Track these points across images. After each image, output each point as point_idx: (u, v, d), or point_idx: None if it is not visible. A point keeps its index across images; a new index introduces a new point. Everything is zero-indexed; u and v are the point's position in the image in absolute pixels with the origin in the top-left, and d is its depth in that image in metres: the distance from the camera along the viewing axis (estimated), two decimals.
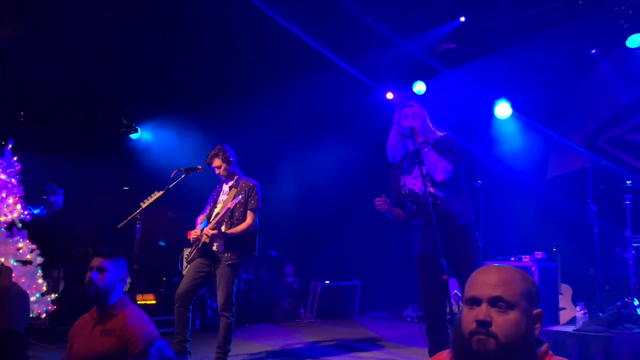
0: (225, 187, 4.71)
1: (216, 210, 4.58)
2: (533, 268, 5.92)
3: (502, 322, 1.46)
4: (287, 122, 8.56)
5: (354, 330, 7.17)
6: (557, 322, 5.96)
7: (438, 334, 3.58)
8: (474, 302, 1.52)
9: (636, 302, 5.25)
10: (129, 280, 3.16)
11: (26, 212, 5.50)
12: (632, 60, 6.80)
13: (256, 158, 7.08)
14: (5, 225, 5.38)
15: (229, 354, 4.49)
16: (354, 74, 8.07)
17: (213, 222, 4.48)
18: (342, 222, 8.86)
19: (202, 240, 4.44)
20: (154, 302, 6.82)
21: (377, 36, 7.84)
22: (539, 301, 1.56)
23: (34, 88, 7.13)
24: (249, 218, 4.52)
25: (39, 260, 5.45)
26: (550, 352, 1.54)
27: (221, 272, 4.43)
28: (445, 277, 3.33)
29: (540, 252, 6.09)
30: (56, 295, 6.08)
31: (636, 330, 4.84)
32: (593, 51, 6.99)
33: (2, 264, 4.98)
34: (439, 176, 3.62)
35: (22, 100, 7.39)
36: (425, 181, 3.56)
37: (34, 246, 5.50)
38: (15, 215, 5.42)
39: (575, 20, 6.62)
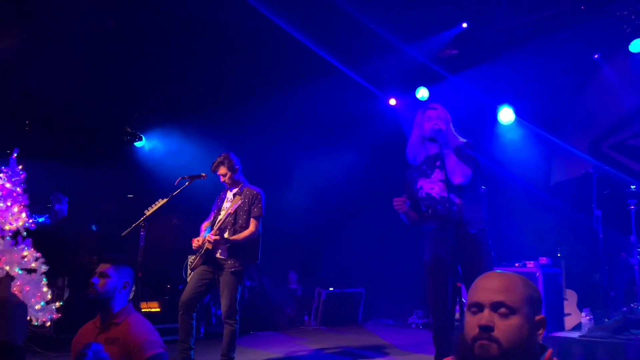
0: (230, 195, 4.73)
1: (219, 217, 4.60)
2: (537, 274, 5.90)
3: (505, 327, 1.47)
4: (291, 129, 8.58)
5: (359, 337, 7.15)
6: (562, 328, 5.94)
7: (445, 341, 3.57)
8: (477, 307, 1.53)
9: None
10: (133, 288, 3.16)
11: (31, 221, 5.52)
12: (635, 64, 6.80)
13: (260, 165, 7.11)
14: (10, 234, 5.40)
15: None
16: (356, 80, 8.08)
17: (216, 228, 4.49)
18: (345, 228, 8.85)
19: (205, 247, 4.46)
20: (158, 309, 6.83)
21: (380, 42, 7.86)
22: (541, 307, 1.57)
23: (38, 97, 7.18)
24: (252, 225, 4.53)
25: (44, 268, 5.46)
26: (555, 359, 1.54)
27: (225, 280, 4.44)
28: (459, 284, 3.32)
29: (544, 258, 6.08)
30: (61, 303, 6.09)
31: None
32: (596, 56, 7.00)
33: (1, 275, 5.00)
34: (457, 179, 3.60)
35: (27, 109, 7.44)
36: (444, 186, 3.54)
37: (38, 254, 5.52)
38: (20, 223, 5.44)
39: (577, 25, 6.63)
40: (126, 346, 2.80)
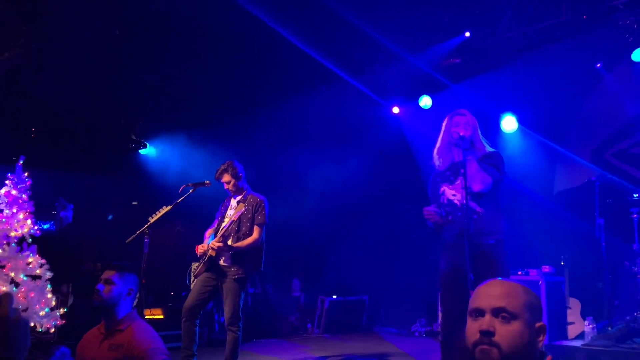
0: (234, 202, 4.75)
1: (223, 224, 4.62)
2: (540, 282, 5.90)
3: (505, 332, 1.49)
4: (295, 137, 8.62)
5: (362, 345, 7.14)
6: (565, 337, 5.93)
7: (452, 350, 3.57)
8: (478, 313, 1.56)
9: None
10: (137, 295, 3.19)
11: (36, 227, 5.55)
12: (637, 73, 6.82)
13: (264, 172, 7.14)
14: (15, 240, 5.43)
15: None
16: (360, 88, 8.13)
17: (219, 235, 4.52)
18: (349, 236, 8.87)
19: (209, 254, 4.48)
20: (161, 316, 6.84)
21: (383, 51, 7.91)
22: (541, 314, 1.60)
23: (44, 104, 7.24)
24: (256, 233, 4.55)
25: (49, 275, 5.48)
26: None
27: (228, 287, 4.45)
28: (472, 292, 3.31)
29: (547, 266, 6.07)
30: (65, 309, 6.11)
31: None
32: (598, 65, 7.02)
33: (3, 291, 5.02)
34: (477, 187, 3.61)
35: (33, 116, 7.51)
36: (466, 194, 3.52)
37: (43, 261, 5.54)
38: (26, 230, 5.47)
39: (579, 34, 6.66)
40: (130, 353, 2.83)
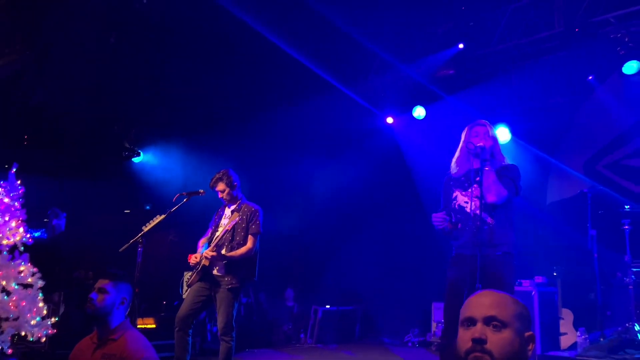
0: (228, 211, 4.74)
1: (217, 234, 4.61)
2: (533, 292, 5.92)
3: (497, 340, 1.54)
4: (289, 147, 8.64)
5: (355, 356, 7.12)
6: (558, 347, 5.94)
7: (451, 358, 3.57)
8: (470, 322, 1.60)
9: (637, 327, 5.24)
10: (131, 304, 3.17)
11: (28, 236, 5.51)
12: (628, 86, 6.90)
13: (258, 181, 7.13)
14: (7, 249, 5.39)
15: None
16: (354, 98, 8.17)
17: (213, 244, 4.50)
18: (343, 246, 8.87)
19: (202, 264, 4.46)
20: (153, 325, 6.80)
21: (378, 61, 7.96)
22: (530, 324, 1.65)
23: (38, 112, 7.23)
24: (250, 242, 4.53)
25: (40, 283, 5.44)
26: None
27: (221, 296, 4.43)
28: None
29: (540, 277, 6.10)
30: (56, 318, 6.06)
31: (637, 356, 4.83)
32: (590, 77, 7.09)
33: None
34: (491, 198, 3.59)
35: (26, 123, 7.48)
36: (480, 203, 3.52)
37: (35, 269, 5.50)
38: (18, 238, 5.43)
39: (572, 47, 6.74)
40: None
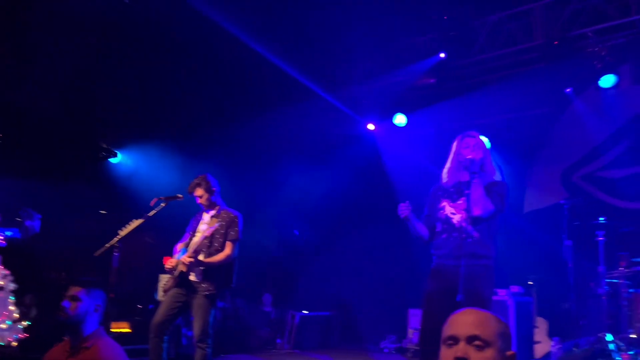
0: (206, 217, 4.69)
1: (195, 239, 4.56)
2: (509, 302, 5.98)
3: (479, 359, 1.53)
4: (269, 151, 8.61)
5: None
6: (532, 357, 6.01)
7: None
8: (453, 340, 1.60)
9: (609, 338, 5.32)
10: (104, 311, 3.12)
11: (1, 238, 5.40)
12: (604, 99, 7.03)
13: (237, 186, 7.08)
14: None
15: None
16: (335, 105, 8.18)
17: (190, 250, 4.45)
18: (320, 252, 8.87)
19: (179, 269, 4.40)
20: (128, 330, 6.70)
21: (360, 68, 8.00)
22: (511, 343, 1.65)
23: (11, 110, 7.07)
24: (228, 248, 4.49)
25: (12, 286, 5.33)
26: None
27: (198, 303, 4.38)
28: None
29: (516, 287, 6.16)
30: (27, 322, 5.93)
31: None
32: (568, 90, 7.22)
33: None
34: (477, 211, 3.60)
35: None
36: (467, 216, 3.54)
37: (7, 272, 5.39)
38: None
39: (551, 59, 6.85)
40: None
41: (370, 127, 8.69)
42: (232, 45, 6.83)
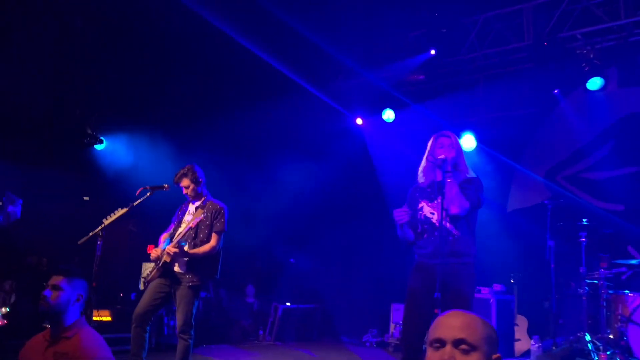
0: (192, 207, 4.65)
1: (179, 230, 4.52)
2: (491, 300, 6.04)
3: None
4: (256, 144, 8.57)
5: (313, 355, 7.12)
6: (512, 354, 6.08)
7: None
8: (439, 343, 1.60)
9: (588, 337, 5.41)
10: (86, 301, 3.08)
11: None
12: (591, 101, 7.10)
13: (222, 177, 7.04)
14: None
15: None
16: (323, 99, 8.16)
17: (175, 241, 4.42)
18: (305, 244, 8.86)
19: (163, 260, 4.37)
20: (109, 318, 6.64)
21: (349, 63, 7.97)
22: (497, 346, 1.64)
23: None
24: (213, 240, 4.46)
25: None
26: None
27: (181, 294, 4.36)
28: (436, 310, 3.36)
29: (498, 285, 6.22)
30: (7, 309, 5.86)
31: None
32: (555, 91, 7.27)
33: None
34: (454, 210, 3.66)
35: None
36: (445, 215, 3.58)
37: None
38: None
39: (539, 60, 6.88)
40: None
41: (359, 121, 8.68)
42: (222, 41, 6.78)
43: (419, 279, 3.72)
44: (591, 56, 6.59)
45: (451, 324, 1.61)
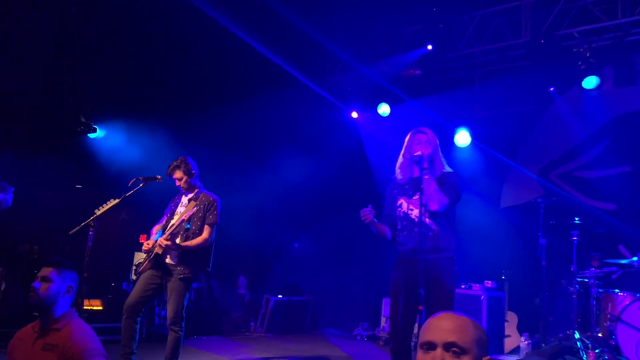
0: (185, 199, 4.64)
1: (172, 222, 4.51)
2: (482, 297, 6.07)
3: None
4: (251, 136, 8.54)
5: (304, 347, 7.15)
6: (502, 351, 6.12)
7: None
8: (429, 346, 1.59)
9: (577, 335, 5.44)
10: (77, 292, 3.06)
11: None
12: (586, 100, 7.11)
13: (216, 169, 7.01)
14: None
15: None
16: (319, 92, 8.14)
17: (167, 233, 4.41)
18: (298, 237, 8.86)
19: (155, 251, 4.36)
20: (100, 308, 6.63)
21: (345, 57, 7.94)
22: (488, 349, 1.64)
23: None
24: (206, 232, 4.46)
25: None
26: None
27: (173, 286, 4.35)
28: (421, 307, 3.38)
29: (490, 281, 6.25)
30: None
31: None
32: (551, 89, 7.27)
33: None
34: (434, 206, 3.68)
35: None
36: (423, 210, 3.60)
37: None
38: None
39: (536, 57, 6.88)
40: (65, 353, 2.71)
41: (354, 115, 8.66)
42: (219, 33, 6.75)
43: (401, 274, 3.75)
44: (587, 55, 6.59)
45: (442, 327, 1.60)
